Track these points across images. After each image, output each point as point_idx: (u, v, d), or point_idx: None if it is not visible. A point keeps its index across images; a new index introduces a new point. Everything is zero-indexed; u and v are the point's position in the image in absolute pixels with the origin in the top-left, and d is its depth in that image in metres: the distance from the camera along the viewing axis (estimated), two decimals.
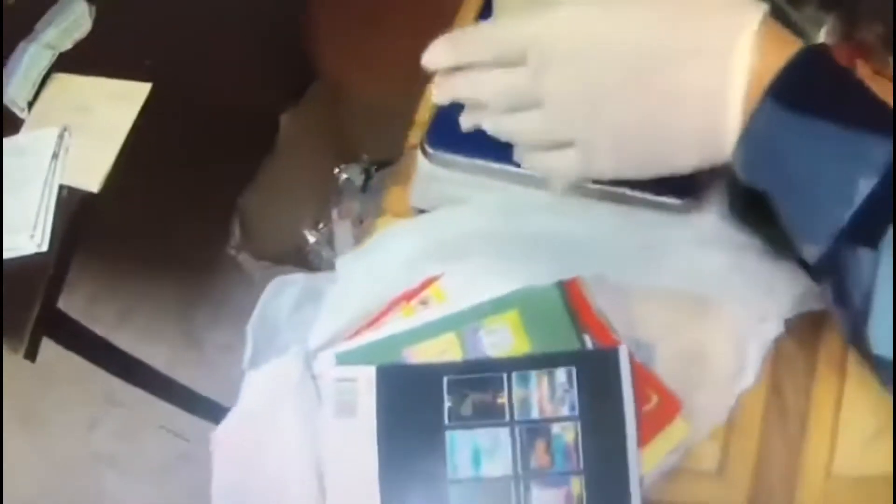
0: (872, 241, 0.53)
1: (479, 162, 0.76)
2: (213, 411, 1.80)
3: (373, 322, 0.78)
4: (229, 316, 2.10)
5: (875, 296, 0.54)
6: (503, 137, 0.68)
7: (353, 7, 1.66)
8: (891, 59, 0.97)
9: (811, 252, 0.57)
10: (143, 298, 2.20)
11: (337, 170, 2.00)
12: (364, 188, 2.01)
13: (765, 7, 0.57)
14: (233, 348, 2.11)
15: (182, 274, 2.17)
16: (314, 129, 1.87)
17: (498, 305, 0.76)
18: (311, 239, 1.95)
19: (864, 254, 0.54)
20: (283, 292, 0.82)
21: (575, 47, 0.59)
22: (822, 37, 0.98)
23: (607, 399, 0.72)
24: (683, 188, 0.72)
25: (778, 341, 0.77)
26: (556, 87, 0.59)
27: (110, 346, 1.49)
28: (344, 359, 0.76)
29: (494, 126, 0.67)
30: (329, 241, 1.95)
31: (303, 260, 1.94)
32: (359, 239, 1.92)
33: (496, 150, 0.75)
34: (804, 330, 0.80)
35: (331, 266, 1.88)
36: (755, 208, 0.63)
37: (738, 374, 0.76)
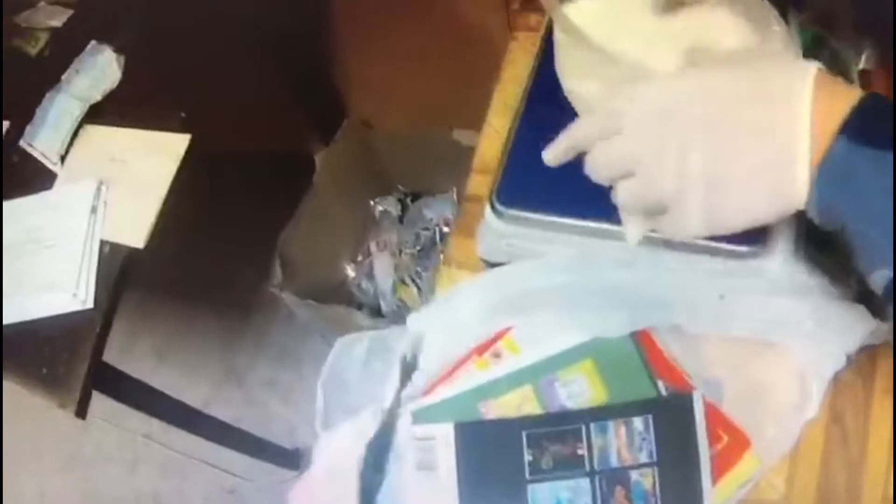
0: None
1: (548, 218, 0.78)
2: (255, 446, 1.83)
3: (447, 377, 0.80)
4: (270, 352, 2.12)
5: None
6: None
7: (378, 49, 1.68)
8: None
9: (882, 277, 0.59)
10: (183, 336, 2.22)
11: (372, 203, 2.03)
12: (401, 219, 2.03)
13: (817, 63, 0.60)
14: (275, 384, 2.16)
15: (222, 312, 2.20)
16: (348, 166, 1.89)
17: (572, 356, 0.78)
18: (351, 273, 1.97)
19: None
20: (352, 349, 0.84)
21: (661, 112, 0.62)
22: (862, 62, 0.99)
23: (683, 443, 0.74)
24: (750, 236, 0.74)
25: (837, 373, 0.79)
26: (649, 148, 0.62)
27: (148, 389, 1.49)
28: (420, 416, 0.78)
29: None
30: (368, 273, 1.97)
31: (344, 294, 1.95)
32: (398, 269, 1.95)
33: (564, 204, 0.76)
34: (861, 359, 0.82)
35: (370, 298, 1.90)
36: (823, 250, 0.65)
37: (801, 407, 0.78)
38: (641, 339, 0.78)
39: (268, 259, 1.73)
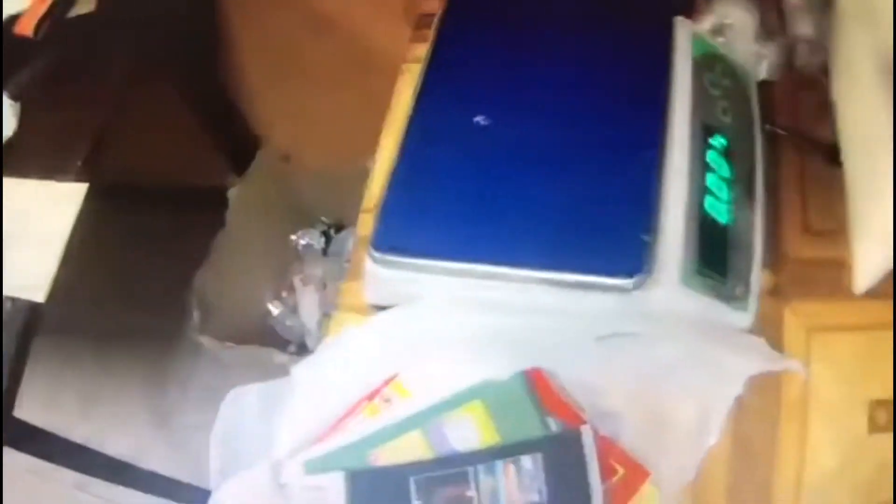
0: None
1: (427, 262, 0.80)
2: (187, 493, 1.81)
3: (338, 424, 0.80)
4: (197, 395, 2.10)
5: None
6: None
7: (292, 79, 1.68)
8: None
9: None
10: (106, 385, 2.20)
11: (294, 237, 2.01)
12: (325, 251, 2.02)
13: None
14: (203, 428, 2.12)
15: (145, 357, 2.17)
16: (264, 199, 1.88)
17: (461, 398, 0.80)
18: (275, 310, 1.95)
19: None
20: (241, 402, 0.85)
21: None
22: (763, 73, 1.02)
23: (574, 479, 0.76)
24: (631, 265, 0.75)
25: (740, 396, 0.81)
26: None
27: (69, 444, 1.48)
28: (312, 466, 0.79)
29: None
30: (293, 310, 1.96)
31: (268, 333, 1.94)
32: (324, 304, 1.94)
33: (443, 248, 0.78)
34: (767, 382, 0.84)
35: (295, 335, 1.89)
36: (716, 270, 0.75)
37: (702, 434, 0.80)
38: (532, 378, 0.80)
39: (187, 300, 1.72)
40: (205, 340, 1.67)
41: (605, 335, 0.78)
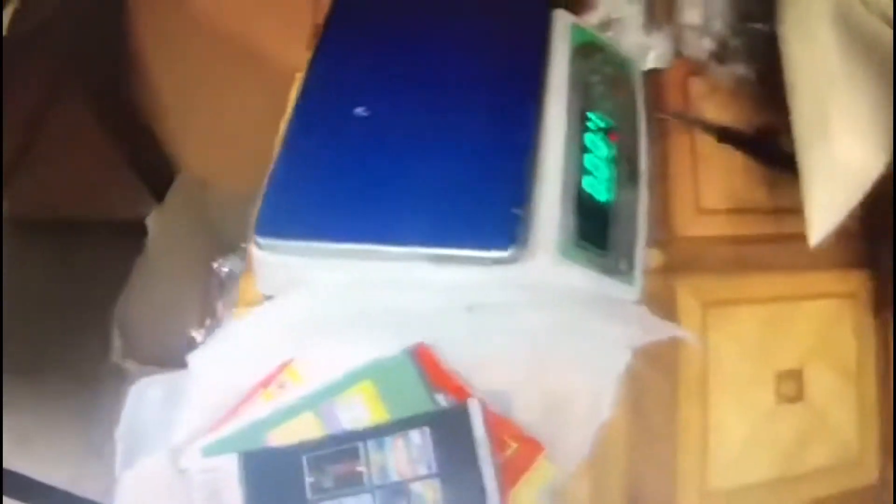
0: None
1: (309, 244, 0.82)
2: None
3: (235, 411, 0.82)
4: None
5: None
6: None
7: (206, 102, 1.69)
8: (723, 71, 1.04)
9: None
10: (38, 416, 2.19)
11: (216, 263, 2.01)
12: None
13: None
14: None
15: (72, 387, 2.16)
16: (184, 225, 1.88)
17: (351, 379, 0.82)
18: (198, 337, 1.95)
19: None
20: (146, 394, 0.87)
21: None
22: (650, 62, 1.05)
23: (464, 453, 0.78)
24: (505, 239, 0.78)
25: (637, 371, 0.83)
26: None
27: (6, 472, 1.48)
28: (210, 451, 0.81)
29: None
30: None
31: None
32: None
33: (325, 229, 0.80)
34: (665, 356, 0.88)
35: None
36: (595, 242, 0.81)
37: (595, 409, 0.82)
38: (420, 356, 0.82)
39: (109, 328, 1.71)
40: (128, 365, 1.67)
41: (485, 304, 0.80)
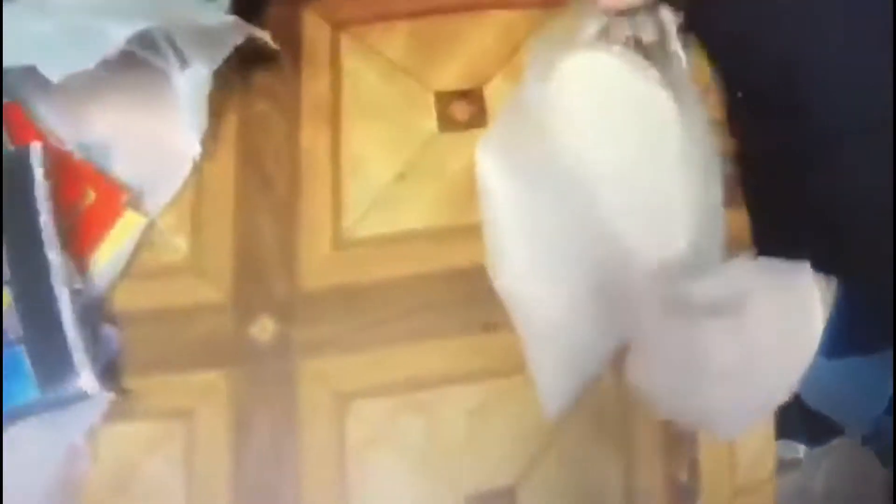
0: None
1: None
2: None
3: None
4: None
5: None
6: None
7: None
8: None
9: None
10: None
11: None
12: None
13: None
14: None
15: None
16: None
17: None
18: None
19: None
20: None
21: None
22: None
23: (21, 203, 0.69)
24: None
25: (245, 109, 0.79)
26: None
27: None
28: None
29: None
30: None
31: None
32: None
33: None
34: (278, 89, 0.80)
35: None
36: None
37: (185, 145, 0.77)
38: (6, 112, 0.75)
39: None
40: None
41: None
